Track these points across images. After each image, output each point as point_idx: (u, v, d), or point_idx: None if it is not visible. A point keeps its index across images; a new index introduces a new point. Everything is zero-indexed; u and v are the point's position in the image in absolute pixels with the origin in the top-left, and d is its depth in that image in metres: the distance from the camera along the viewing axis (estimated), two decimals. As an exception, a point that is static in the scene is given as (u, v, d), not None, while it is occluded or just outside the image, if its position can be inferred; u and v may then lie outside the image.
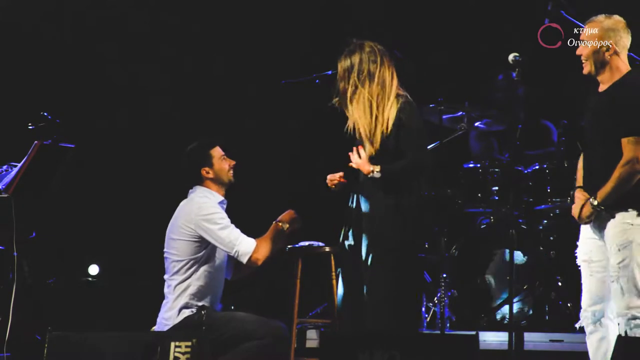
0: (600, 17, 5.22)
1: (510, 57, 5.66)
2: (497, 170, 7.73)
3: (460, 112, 7.70)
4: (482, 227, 7.95)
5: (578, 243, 5.31)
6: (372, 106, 5.27)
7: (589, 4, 5.42)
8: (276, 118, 8.41)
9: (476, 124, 7.86)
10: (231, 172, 5.92)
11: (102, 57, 8.30)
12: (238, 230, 5.73)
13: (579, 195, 5.22)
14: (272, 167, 8.33)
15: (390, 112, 5.26)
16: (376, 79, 5.28)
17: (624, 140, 5.05)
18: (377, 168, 5.25)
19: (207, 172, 5.87)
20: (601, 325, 5.19)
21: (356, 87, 5.29)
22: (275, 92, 7.68)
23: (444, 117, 7.67)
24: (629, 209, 5.07)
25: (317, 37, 8.23)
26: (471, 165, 7.82)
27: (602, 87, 5.21)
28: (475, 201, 7.75)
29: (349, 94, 5.31)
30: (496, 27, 8.36)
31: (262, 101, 8.40)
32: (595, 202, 5.11)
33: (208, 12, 8.54)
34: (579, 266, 5.30)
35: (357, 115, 5.30)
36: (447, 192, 7.80)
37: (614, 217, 5.09)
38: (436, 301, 7.37)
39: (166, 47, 8.40)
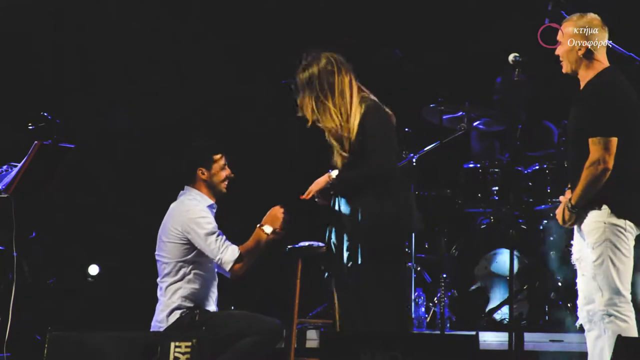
0: (574, 17, 5.22)
1: (510, 57, 5.66)
2: (497, 170, 7.73)
3: (460, 112, 7.70)
4: (482, 227, 7.95)
5: (572, 242, 5.32)
6: (335, 116, 5.22)
7: (589, 4, 5.41)
8: (276, 118, 8.40)
9: (476, 124, 7.86)
10: (225, 183, 5.86)
11: (102, 56, 8.30)
12: (224, 237, 5.70)
13: (563, 198, 5.23)
14: (271, 166, 8.32)
15: (355, 118, 5.21)
16: (336, 90, 5.23)
17: (590, 141, 5.05)
18: (334, 174, 5.23)
19: (202, 174, 5.82)
20: (597, 324, 5.19)
21: (318, 101, 5.25)
22: (275, 92, 7.67)
23: (444, 117, 7.68)
24: (602, 207, 5.08)
25: (317, 37, 8.22)
26: (471, 165, 7.82)
27: (581, 87, 5.23)
28: (475, 201, 7.76)
29: (311, 108, 5.27)
30: (496, 27, 8.36)
31: (262, 101, 8.40)
32: (570, 205, 5.12)
33: (208, 12, 8.53)
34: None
35: (325, 127, 5.25)
36: (447, 192, 7.81)
37: (588, 215, 5.11)
38: (436, 301, 7.37)
39: (166, 47, 8.40)
